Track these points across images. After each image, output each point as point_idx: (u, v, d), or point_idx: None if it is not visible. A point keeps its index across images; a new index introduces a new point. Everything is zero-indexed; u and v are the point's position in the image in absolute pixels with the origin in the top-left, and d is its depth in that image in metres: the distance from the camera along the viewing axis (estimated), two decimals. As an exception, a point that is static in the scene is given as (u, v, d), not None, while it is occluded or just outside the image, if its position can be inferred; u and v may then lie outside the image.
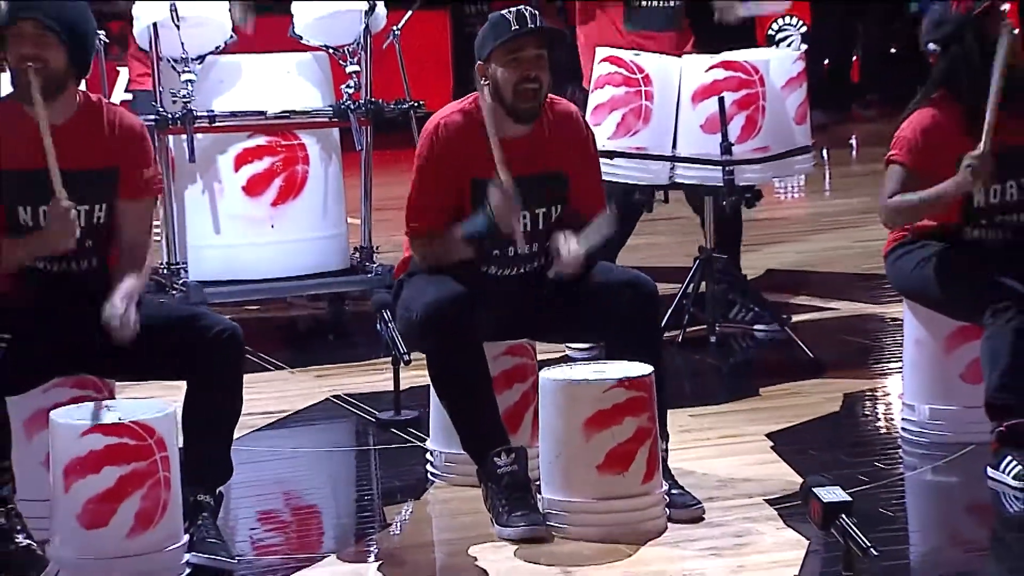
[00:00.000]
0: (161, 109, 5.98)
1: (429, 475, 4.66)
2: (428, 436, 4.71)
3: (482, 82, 4.38)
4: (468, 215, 4.37)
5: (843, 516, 3.34)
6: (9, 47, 4.03)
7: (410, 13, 6.62)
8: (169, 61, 5.99)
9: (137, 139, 4.19)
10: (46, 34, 4.01)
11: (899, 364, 5.31)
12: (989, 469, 4.49)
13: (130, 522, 3.82)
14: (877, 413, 5.48)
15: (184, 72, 5.94)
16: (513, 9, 4.35)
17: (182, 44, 5.91)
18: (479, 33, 4.44)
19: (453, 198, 4.40)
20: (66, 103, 4.08)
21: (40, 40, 4.00)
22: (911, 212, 4.70)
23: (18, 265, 4.03)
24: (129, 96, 6.93)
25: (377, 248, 6.30)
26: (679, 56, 5.94)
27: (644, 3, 6.09)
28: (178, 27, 5.88)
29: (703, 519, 4.26)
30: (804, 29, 12.86)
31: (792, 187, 9.67)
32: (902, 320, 5.08)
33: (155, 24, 5.93)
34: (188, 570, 3.93)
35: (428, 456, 4.69)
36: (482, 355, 4.31)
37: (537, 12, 4.38)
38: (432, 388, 4.42)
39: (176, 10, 5.85)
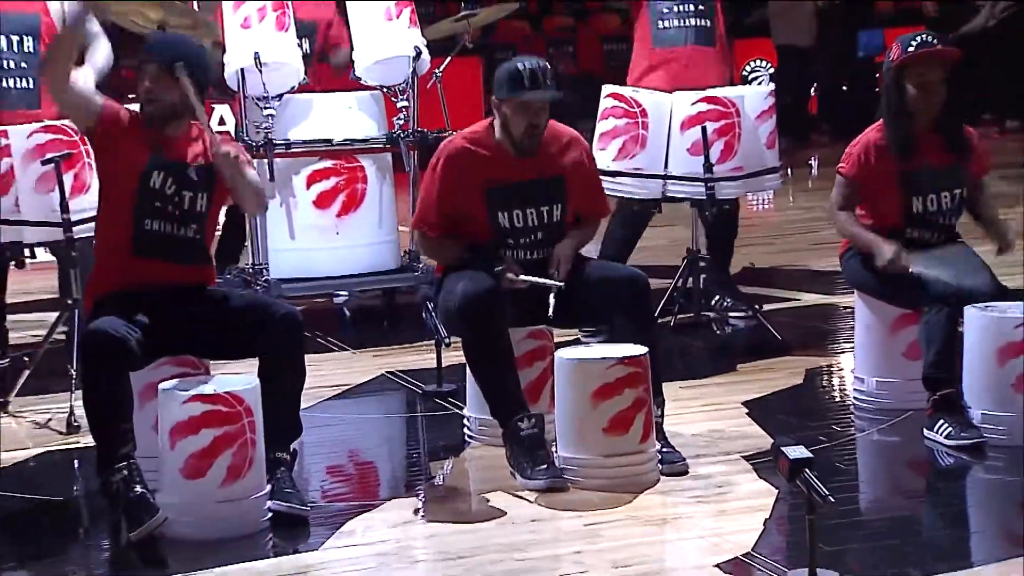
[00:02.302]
0: (247, 138, 5.98)
1: (466, 437, 4.64)
2: (465, 405, 4.70)
3: (495, 113, 4.40)
4: (487, 217, 4.37)
5: (806, 470, 3.31)
6: (137, 82, 4.06)
7: (449, 59, 6.60)
8: (253, 99, 5.98)
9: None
10: (163, 75, 4.03)
11: (851, 345, 5.28)
12: (925, 431, 4.47)
13: (223, 474, 3.83)
14: (833, 385, 5.44)
15: (266, 108, 5.92)
16: (529, 65, 4.32)
17: (264, 85, 5.90)
18: (498, 71, 4.41)
19: (466, 204, 4.39)
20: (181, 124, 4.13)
21: (157, 79, 4.03)
22: (847, 235, 4.78)
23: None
24: (223, 129, 6.92)
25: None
26: (701, 68, 5.84)
27: (664, 24, 5.94)
28: (261, 71, 5.87)
29: (689, 472, 4.24)
30: (772, 70, 12.83)
31: (763, 199, 9.63)
32: (854, 308, 5.06)
33: (242, 69, 5.92)
34: (269, 515, 3.93)
35: (465, 421, 4.68)
36: (507, 338, 4.30)
37: (548, 67, 4.35)
38: (467, 365, 4.41)
39: (259, 57, 5.84)
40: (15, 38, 5.26)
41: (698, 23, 5.93)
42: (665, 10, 5.93)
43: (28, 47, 5.28)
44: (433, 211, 4.45)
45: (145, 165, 4.06)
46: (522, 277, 4.32)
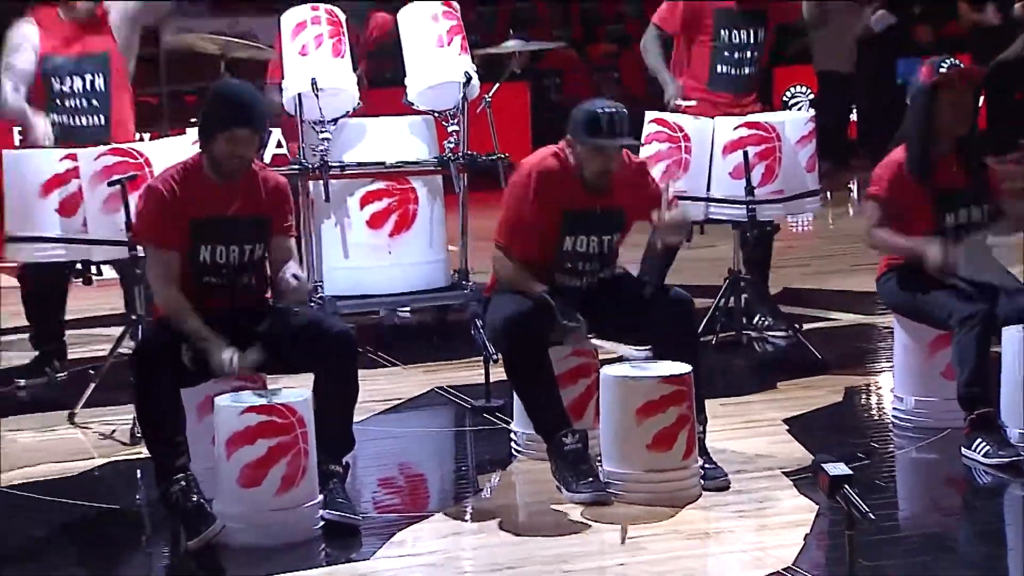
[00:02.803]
0: (304, 161, 6.01)
1: (513, 451, 4.63)
2: (512, 419, 4.69)
3: (568, 148, 4.35)
4: (557, 239, 4.35)
5: (846, 486, 3.27)
6: (222, 141, 4.01)
7: (498, 85, 6.61)
8: (310, 123, 6.02)
9: (283, 193, 4.21)
10: (253, 137, 4.04)
11: (890, 364, 5.23)
12: (963, 449, 4.42)
13: (277, 484, 3.84)
14: (872, 403, 5.39)
15: (322, 132, 5.96)
16: (607, 111, 4.26)
17: (320, 110, 5.93)
18: (576, 111, 4.34)
19: (543, 225, 4.37)
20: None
21: (248, 141, 4.03)
22: (890, 248, 4.72)
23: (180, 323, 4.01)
24: (280, 151, 6.96)
25: (471, 270, 6.29)
26: (741, 112, 5.88)
27: (722, 69, 5.97)
28: (317, 96, 5.90)
29: (731, 487, 4.21)
30: (812, 96, 12.78)
31: (803, 222, 9.57)
32: (892, 328, 5.01)
33: (299, 94, 5.95)
34: (322, 524, 3.93)
35: (512, 436, 4.67)
36: (547, 357, 4.28)
37: (624, 112, 4.31)
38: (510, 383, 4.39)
39: (316, 83, 5.88)
40: (88, 77, 5.36)
41: (749, 71, 5.98)
42: (727, 54, 5.96)
43: (99, 86, 5.37)
44: (520, 226, 4.38)
45: (199, 229, 4.04)
46: (595, 341, 4.27)
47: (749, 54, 5.96)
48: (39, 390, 5.57)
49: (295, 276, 4.00)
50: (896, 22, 11.97)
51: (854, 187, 11.52)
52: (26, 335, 5.85)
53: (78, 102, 5.35)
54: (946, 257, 4.50)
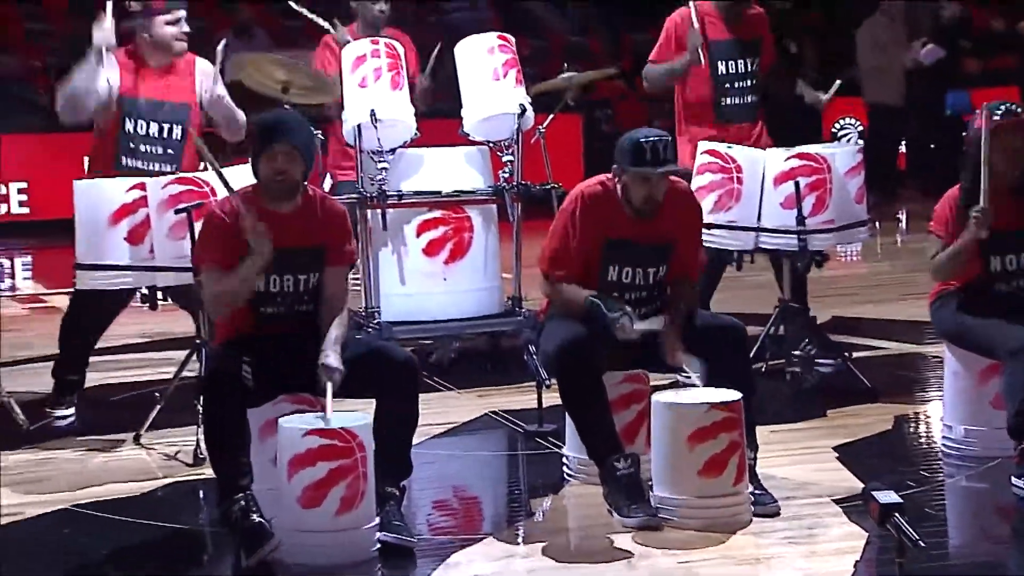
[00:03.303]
0: (362, 190, 6.06)
1: (565, 475, 4.62)
2: (564, 444, 4.69)
3: (615, 177, 4.36)
4: (600, 268, 4.35)
5: (896, 514, 3.25)
6: (264, 162, 4.08)
7: (552, 116, 6.63)
8: (369, 153, 6.06)
9: (340, 222, 4.24)
10: (294, 153, 4.08)
11: (939, 392, 5.18)
12: (1013, 478, 4.36)
13: (336, 505, 3.85)
14: (922, 432, 5.34)
15: (380, 162, 6.00)
16: (649, 139, 4.27)
17: (379, 140, 5.98)
18: (621, 141, 4.35)
19: (587, 252, 4.38)
20: (294, 202, 4.16)
21: (289, 157, 4.07)
22: (947, 266, 4.66)
23: (235, 297, 4.04)
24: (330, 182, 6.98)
25: (524, 297, 6.30)
26: (752, 141, 5.93)
27: (727, 101, 6.05)
28: (376, 127, 5.95)
29: (781, 514, 4.18)
30: (860, 128, 12.72)
31: (851, 252, 9.51)
32: (942, 357, 4.96)
33: (359, 125, 6.01)
34: (379, 545, 3.94)
35: (564, 460, 4.66)
36: (601, 383, 4.27)
37: (669, 140, 4.32)
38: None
39: (375, 114, 5.93)
40: (166, 126, 5.37)
41: (752, 99, 6.05)
42: (727, 85, 6.02)
43: (176, 135, 5.38)
44: (564, 253, 4.39)
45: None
46: (637, 326, 4.25)
47: (750, 83, 6.02)
48: (103, 413, 5.63)
49: (326, 363, 3.97)
50: (945, 55, 11.92)
51: (902, 217, 11.46)
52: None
53: (152, 148, 5.35)
54: (985, 219, 4.47)
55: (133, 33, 5.43)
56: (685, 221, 4.48)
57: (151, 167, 5.34)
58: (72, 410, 5.53)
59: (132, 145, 5.35)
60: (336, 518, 3.86)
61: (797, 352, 6.03)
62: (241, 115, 5.51)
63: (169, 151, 5.38)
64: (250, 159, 4.15)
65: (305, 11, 6.82)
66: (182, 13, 5.40)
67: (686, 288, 4.46)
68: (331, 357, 4.00)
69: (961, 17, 12.96)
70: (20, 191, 11.06)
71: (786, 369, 5.93)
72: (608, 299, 4.26)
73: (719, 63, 6.03)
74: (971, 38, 13.06)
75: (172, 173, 5.22)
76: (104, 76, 5.26)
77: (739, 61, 6.04)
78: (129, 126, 5.35)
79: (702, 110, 6.08)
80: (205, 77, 5.46)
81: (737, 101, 6.06)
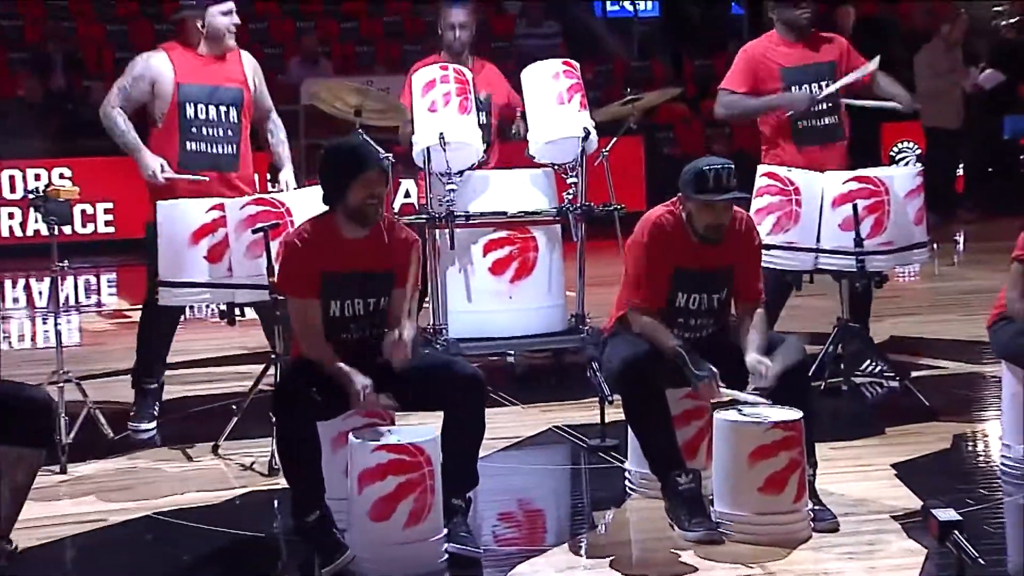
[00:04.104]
0: (431, 211, 6.08)
1: (627, 489, 4.60)
2: (626, 459, 4.66)
3: (680, 204, 4.34)
4: (661, 296, 4.34)
5: (956, 532, 3.19)
6: (356, 189, 4.08)
7: (615, 139, 6.63)
8: (438, 175, 6.09)
9: (408, 247, 4.24)
10: (383, 178, 4.12)
11: (998, 412, 5.09)
12: (1073, 498, 4.28)
13: (405, 518, 3.86)
14: (980, 451, 5.25)
15: (448, 183, 6.03)
16: (713, 168, 4.25)
17: (447, 162, 6.00)
18: (686, 169, 4.33)
19: (658, 280, 4.36)
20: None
21: (380, 181, 4.10)
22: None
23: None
24: (407, 201, 7.03)
25: (588, 314, 6.28)
26: (835, 165, 5.85)
27: (803, 123, 5.97)
28: (445, 150, 5.98)
29: (840, 530, 4.13)
30: (919, 151, 12.58)
31: (910, 272, 9.39)
32: (999, 377, 4.88)
33: (428, 148, 6.04)
34: (447, 556, 3.95)
35: (626, 474, 4.64)
36: (663, 399, 4.25)
37: (732, 168, 4.29)
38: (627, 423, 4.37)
39: (443, 137, 5.96)
40: (223, 108, 5.52)
41: (829, 121, 5.97)
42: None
43: (233, 117, 5.54)
44: (639, 281, 4.36)
45: (329, 283, 4.09)
46: (723, 390, 4.23)
47: (824, 106, 5.94)
48: (183, 424, 5.69)
49: (397, 340, 4.00)
50: (1004, 80, 11.77)
51: (960, 239, 11.31)
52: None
53: (212, 131, 5.49)
54: None
55: (184, 22, 5.58)
56: (745, 245, 4.45)
57: (213, 149, 5.48)
58: (153, 424, 5.59)
59: (194, 129, 5.48)
60: (404, 530, 3.87)
61: (861, 369, 5.96)
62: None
63: (228, 132, 5.52)
64: (329, 185, 4.15)
65: None
66: (233, 5, 5.56)
67: (760, 320, 4.39)
68: (402, 338, 4.02)
69: (1018, 42, 12.79)
70: (106, 211, 11.28)
71: (845, 387, 5.86)
72: (694, 354, 4.22)
73: (792, 88, 5.96)
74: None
75: (233, 157, 5.46)
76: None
77: (812, 85, 5.96)
78: (189, 111, 5.47)
79: (779, 134, 6.00)
80: (253, 69, 5.65)
81: (813, 124, 5.98)
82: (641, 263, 4.38)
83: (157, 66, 5.48)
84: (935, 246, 9.79)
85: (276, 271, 4.59)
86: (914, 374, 6.11)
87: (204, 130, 5.48)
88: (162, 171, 5.38)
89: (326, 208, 4.17)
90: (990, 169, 12.59)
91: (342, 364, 4.03)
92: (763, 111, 6.01)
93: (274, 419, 4.01)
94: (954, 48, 11.55)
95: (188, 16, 5.56)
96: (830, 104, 5.97)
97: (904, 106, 6.08)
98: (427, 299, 6.17)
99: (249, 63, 5.68)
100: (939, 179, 11.24)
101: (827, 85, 5.96)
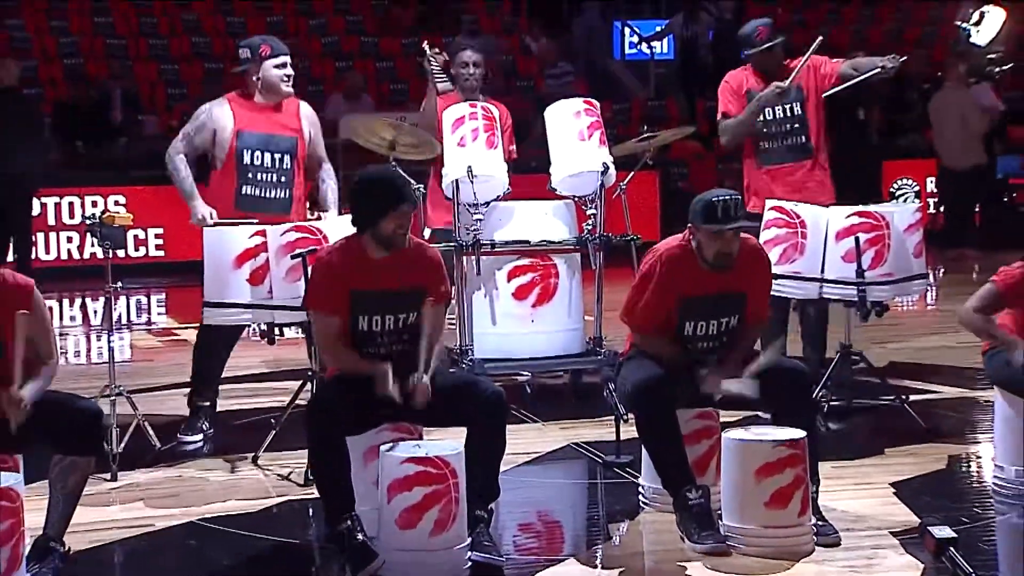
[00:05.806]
0: (459, 239, 6.09)
1: (641, 503, 4.58)
2: (640, 474, 4.64)
3: (690, 235, 4.33)
4: (671, 324, 4.32)
5: (951, 548, 3.16)
6: (387, 220, 4.08)
7: (632, 174, 6.63)
8: (465, 205, 6.10)
9: (436, 267, 4.25)
10: (412, 211, 4.15)
11: (991, 435, 5.04)
12: (1062, 517, 4.24)
13: (431, 527, 3.85)
14: (974, 471, 5.20)
15: (475, 213, 6.04)
16: (720, 199, 4.24)
17: (474, 193, 6.01)
18: (695, 201, 4.31)
19: (667, 310, 4.35)
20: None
21: (411, 215, 4.14)
22: (982, 332, 4.59)
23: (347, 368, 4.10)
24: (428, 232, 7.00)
25: (605, 338, 6.27)
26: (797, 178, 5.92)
27: (766, 144, 6.02)
28: (472, 182, 5.99)
29: (841, 544, 4.09)
30: (917, 188, 12.57)
31: (909, 302, 9.32)
32: (993, 402, 4.83)
33: (457, 180, 6.05)
34: (470, 564, 3.93)
35: (640, 489, 4.61)
36: (675, 418, 4.23)
37: (740, 199, 4.28)
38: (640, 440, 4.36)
39: (471, 170, 5.97)
40: (278, 156, 5.55)
41: (792, 141, 6.01)
42: (764, 130, 6.02)
43: (287, 164, 5.55)
44: (647, 309, 4.34)
45: (358, 300, 4.09)
46: (724, 383, 4.22)
47: (790, 126, 5.98)
48: (226, 437, 5.70)
49: (418, 383, 4.00)
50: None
51: (973, 274, 11.24)
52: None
53: (268, 176, 5.51)
54: None
55: (244, 74, 5.60)
56: (755, 272, 4.43)
57: (268, 193, 5.50)
58: (200, 437, 5.60)
59: (250, 175, 5.51)
60: (431, 539, 3.86)
61: (860, 395, 5.91)
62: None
63: (282, 178, 5.54)
64: (363, 211, 4.15)
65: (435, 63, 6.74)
66: (287, 58, 5.58)
67: (750, 333, 4.41)
68: (422, 379, 4.02)
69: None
70: (157, 236, 11.36)
71: (847, 408, 5.81)
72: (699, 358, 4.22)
73: (763, 112, 6.00)
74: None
75: (286, 202, 5.46)
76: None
77: (776, 108, 5.99)
78: (246, 157, 5.50)
79: (751, 157, 6.07)
80: (309, 120, 5.66)
81: (775, 145, 6.02)
82: (649, 292, 4.36)
83: (219, 116, 5.53)
84: (938, 274, 9.77)
85: (306, 289, 4.59)
86: (912, 398, 6.05)
87: (259, 175, 5.51)
88: (210, 218, 5.40)
89: (355, 229, 4.18)
90: (976, 210, 12.54)
91: (368, 364, 4.03)
92: (747, 122, 6.03)
93: (308, 433, 4.01)
94: (962, 88, 11.43)
95: (246, 70, 5.60)
96: (796, 124, 5.98)
97: (889, 64, 5.93)
98: (454, 316, 6.17)
99: (306, 114, 5.67)
100: (957, 215, 11.30)
101: (796, 108, 5.99)
